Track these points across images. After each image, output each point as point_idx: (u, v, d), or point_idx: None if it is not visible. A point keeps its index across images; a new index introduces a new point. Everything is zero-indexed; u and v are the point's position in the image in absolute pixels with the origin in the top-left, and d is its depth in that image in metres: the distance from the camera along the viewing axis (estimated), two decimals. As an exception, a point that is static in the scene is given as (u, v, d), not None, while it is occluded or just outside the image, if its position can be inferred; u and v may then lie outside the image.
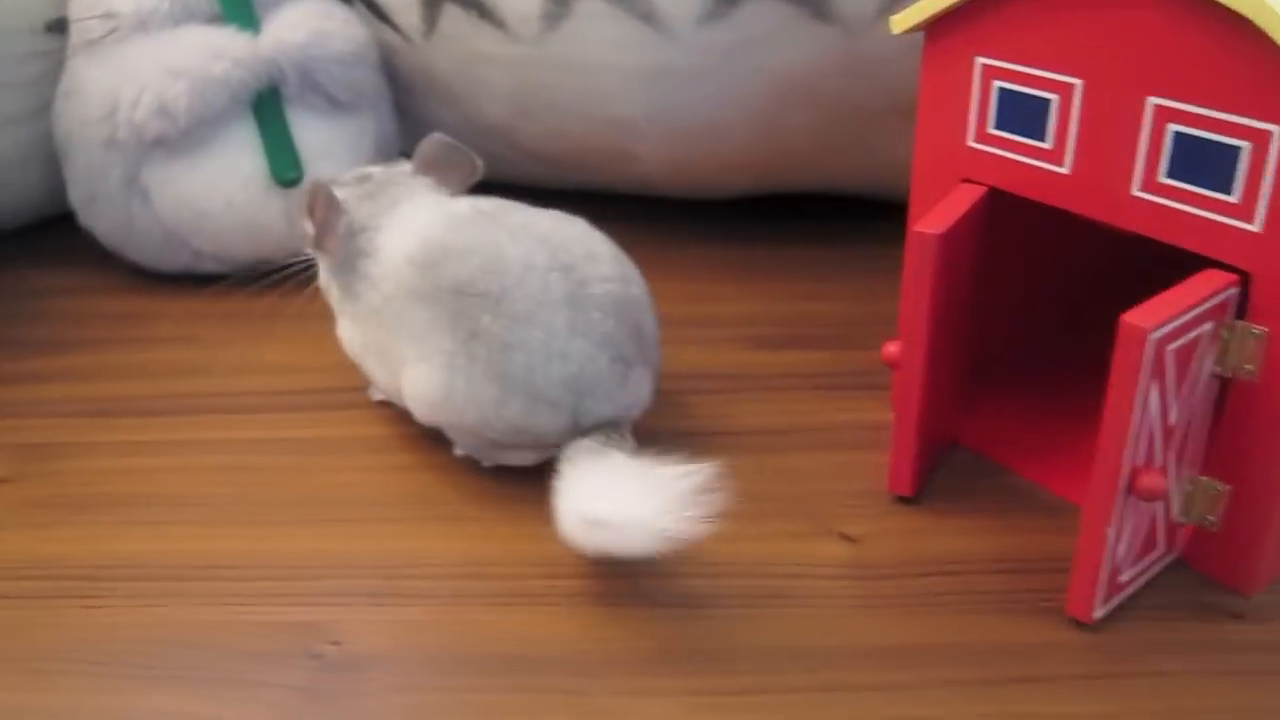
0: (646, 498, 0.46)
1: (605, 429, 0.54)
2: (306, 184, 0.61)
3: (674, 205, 0.87)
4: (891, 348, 0.54)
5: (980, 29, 0.52)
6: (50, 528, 0.56)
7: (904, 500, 0.56)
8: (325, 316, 0.64)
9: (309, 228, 0.60)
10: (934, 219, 0.51)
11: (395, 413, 0.62)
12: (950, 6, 0.52)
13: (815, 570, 0.52)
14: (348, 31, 0.77)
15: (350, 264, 0.59)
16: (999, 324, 0.61)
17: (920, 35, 0.54)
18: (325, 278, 0.61)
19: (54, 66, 0.81)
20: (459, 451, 0.59)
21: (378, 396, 0.64)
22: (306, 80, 0.75)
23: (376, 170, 0.61)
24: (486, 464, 0.59)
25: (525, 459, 0.56)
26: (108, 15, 0.74)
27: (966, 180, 0.54)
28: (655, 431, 0.59)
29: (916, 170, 0.56)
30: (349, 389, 0.66)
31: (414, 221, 0.57)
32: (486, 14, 0.74)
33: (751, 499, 0.56)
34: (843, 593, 0.51)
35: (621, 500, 0.47)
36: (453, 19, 0.75)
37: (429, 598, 0.51)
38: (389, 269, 0.57)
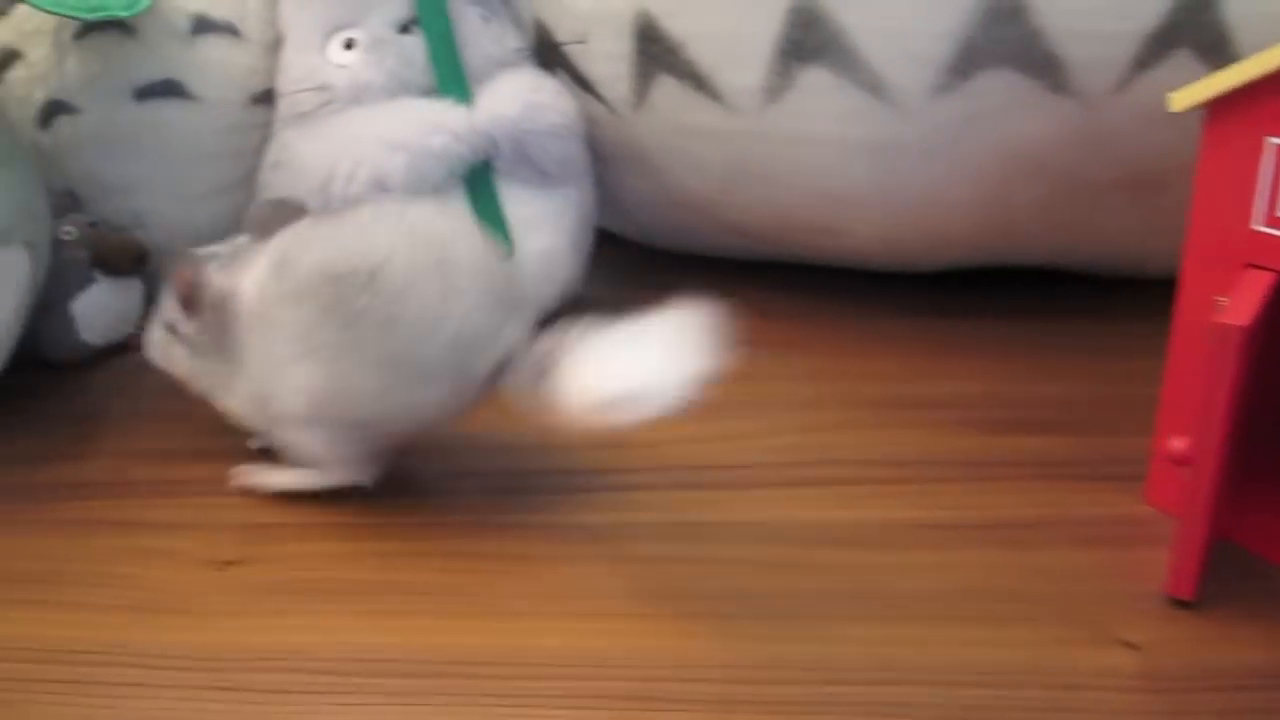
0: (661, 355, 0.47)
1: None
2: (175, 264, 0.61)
3: (880, 277, 0.85)
4: (1178, 443, 0.51)
5: (1272, 108, 0.49)
6: (288, 615, 0.54)
7: (1183, 604, 0.52)
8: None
9: (171, 307, 0.60)
10: (1237, 310, 0.48)
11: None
12: (1239, 85, 0.50)
13: (1098, 681, 0.48)
14: (559, 104, 0.76)
15: (220, 324, 0.59)
16: (1272, 413, 0.58)
17: (1168, 111, 0.52)
18: (188, 364, 0.62)
19: (258, 139, 0.81)
20: (256, 445, 0.62)
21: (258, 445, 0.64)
22: (519, 153, 0.74)
23: (219, 248, 0.61)
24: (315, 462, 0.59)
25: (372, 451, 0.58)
26: (321, 88, 0.74)
27: (1251, 265, 0.51)
28: (888, 524, 0.58)
29: (1190, 253, 0.53)
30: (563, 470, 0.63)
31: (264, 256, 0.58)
32: (703, 86, 0.72)
33: (1015, 600, 0.53)
34: (1134, 708, 0.47)
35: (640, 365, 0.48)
36: (666, 91, 0.74)
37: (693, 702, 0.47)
38: (251, 292, 0.58)
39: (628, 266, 0.86)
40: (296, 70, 0.76)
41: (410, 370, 0.56)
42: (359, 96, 0.74)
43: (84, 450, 0.68)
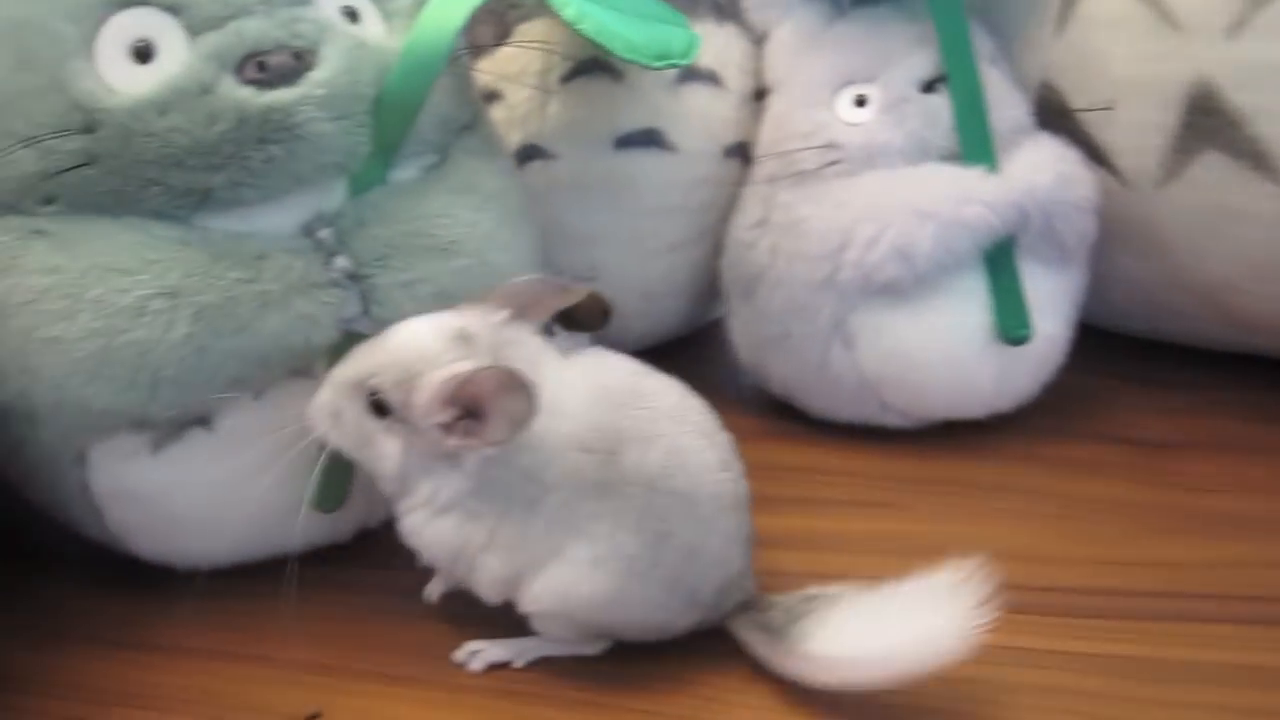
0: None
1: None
2: (459, 368, 0.49)
3: None
4: None
5: None
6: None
7: None
8: (1054, 494, 0.59)
9: (434, 418, 0.48)
10: None
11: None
12: None
13: None
14: (1085, 175, 0.70)
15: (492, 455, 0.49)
16: None
17: None
18: (385, 460, 0.51)
19: (726, 194, 0.76)
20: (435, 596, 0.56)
21: (439, 590, 0.57)
22: (1045, 227, 0.67)
23: (469, 324, 0.50)
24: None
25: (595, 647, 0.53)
26: (829, 146, 0.68)
27: None
28: None
29: None
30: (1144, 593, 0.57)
31: (562, 398, 0.49)
32: (1261, 165, 0.64)
33: None
34: None
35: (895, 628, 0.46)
36: (1210, 167, 0.67)
37: None
38: (550, 455, 0.49)
39: (1095, 351, 0.78)
40: (797, 125, 0.71)
41: (683, 592, 0.51)
42: (872, 158, 0.68)
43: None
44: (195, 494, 0.56)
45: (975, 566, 0.46)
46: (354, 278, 0.53)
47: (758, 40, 0.76)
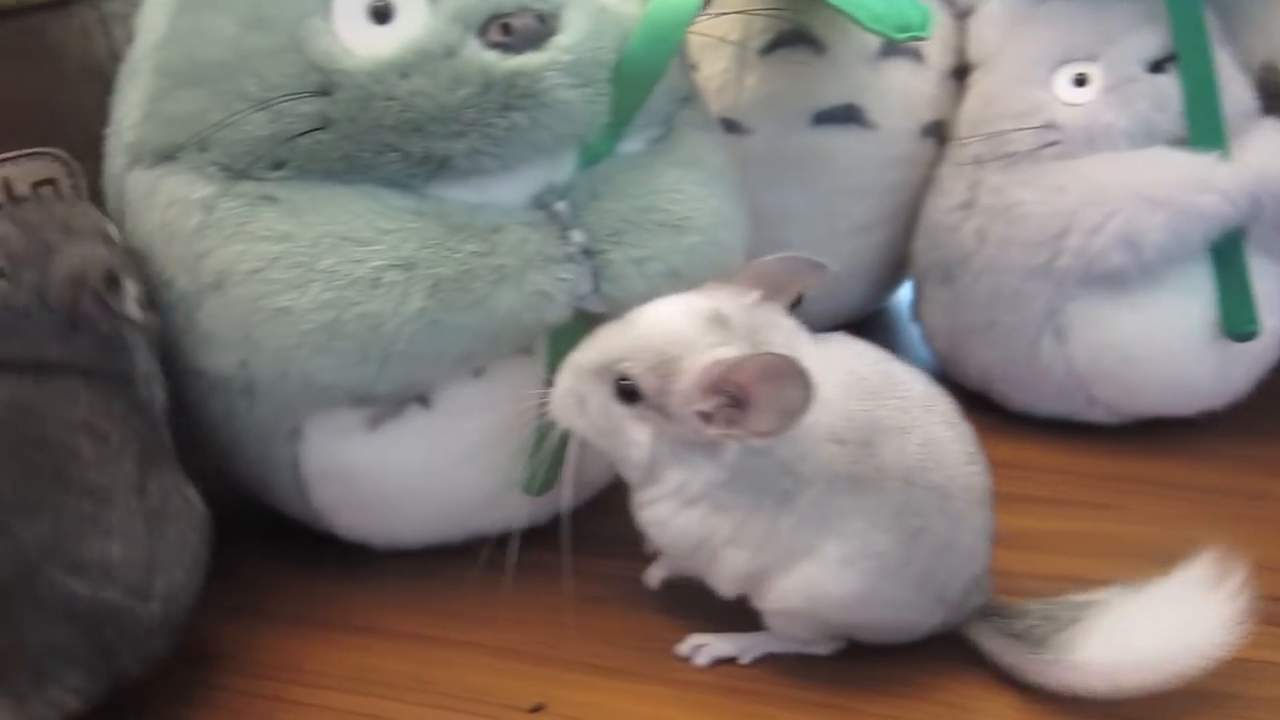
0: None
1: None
2: (730, 352, 0.46)
3: None
4: None
5: None
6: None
7: None
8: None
9: (695, 406, 0.46)
10: None
11: None
12: None
13: None
14: (1320, 165, 0.65)
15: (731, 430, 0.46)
16: None
17: None
18: (654, 457, 0.48)
19: (920, 173, 0.73)
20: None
21: (660, 576, 0.54)
22: (1277, 220, 0.63)
23: (721, 305, 0.47)
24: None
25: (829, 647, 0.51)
26: (1046, 127, 0.65)
27: None
28: None
29: None
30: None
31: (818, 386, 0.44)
32: None
33: None
34: None
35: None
36: None
37: None
38: (808, 447, 0.46)
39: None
40: (1010, 104, 0.67)
41: (932, 591, 0.49)
42: (1093, 141, 0.64)
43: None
44: (407, 473, 0.54)
45: (1226, 570, 0.45)
46: (588, 253, 0.51)
47: (961, 14, 0.73)
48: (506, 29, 0.49)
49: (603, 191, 0.52)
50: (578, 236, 0.50)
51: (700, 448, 0.46)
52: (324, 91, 0.49)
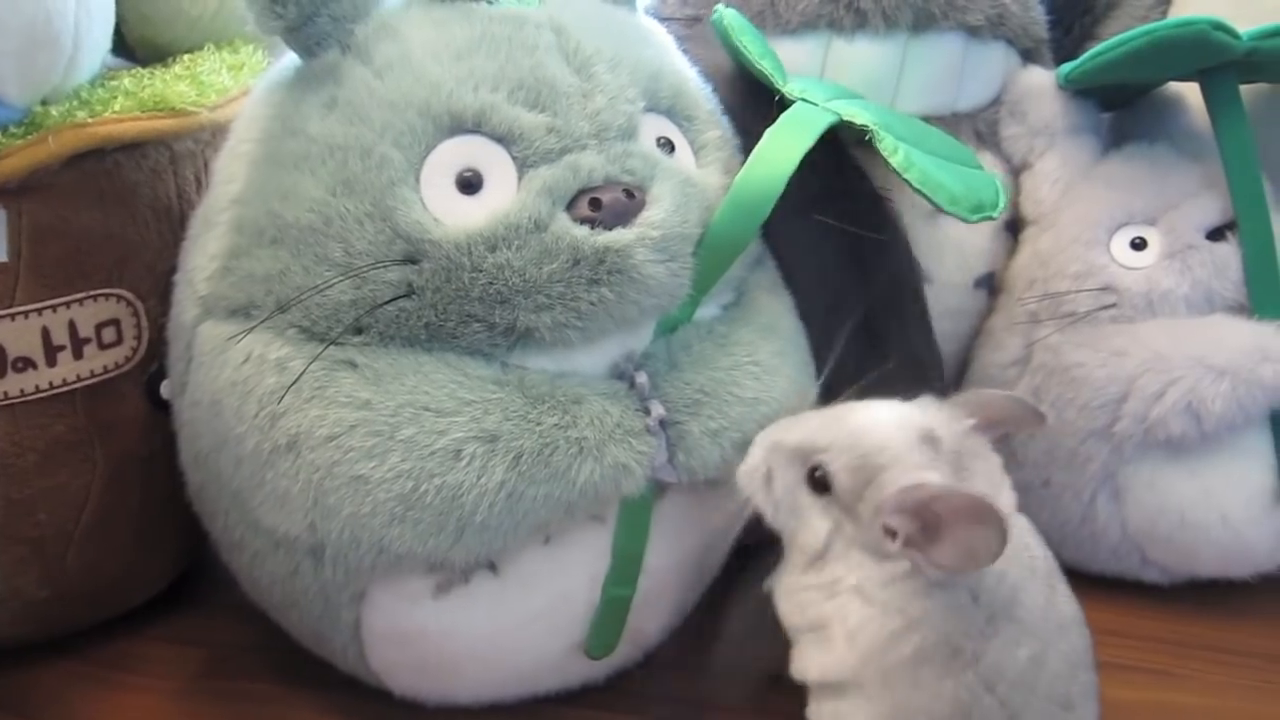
0: None
1: None
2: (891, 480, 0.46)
3: None
4: None
5: None
6: None
7: None
8: None
9: (885, 520, 0.45)
10: None
11: None
12: None
13: None
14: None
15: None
16: None
17: None
18: (826, 549, 0.48)
19: (968, 325, 0.73)
20: None
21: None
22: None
23: (935, 424, 0.48)
24: None
25: None
26: (1105, 289, 0.65)
27: None
28: None
29: None
30: None
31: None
32: None
33: None
34: None
35: None
36: None
37: None
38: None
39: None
40: (1067, 265, 0.68)
41: None
42: (1153, 306, 0.65)
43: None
44: (472, 637, 0.53)
45: None
46: (664, 424, 0.50)
47: (1016, 170, 0.73)
48: (596, 204, 0.49)
49: (681, 362, 0.52)
50: (657, 409, 0.50)
51: (872, 550, 0.46)
52: (410, 260, 0.49)
